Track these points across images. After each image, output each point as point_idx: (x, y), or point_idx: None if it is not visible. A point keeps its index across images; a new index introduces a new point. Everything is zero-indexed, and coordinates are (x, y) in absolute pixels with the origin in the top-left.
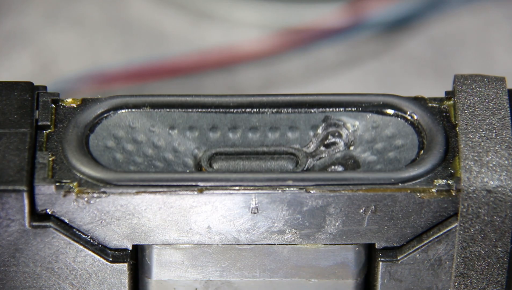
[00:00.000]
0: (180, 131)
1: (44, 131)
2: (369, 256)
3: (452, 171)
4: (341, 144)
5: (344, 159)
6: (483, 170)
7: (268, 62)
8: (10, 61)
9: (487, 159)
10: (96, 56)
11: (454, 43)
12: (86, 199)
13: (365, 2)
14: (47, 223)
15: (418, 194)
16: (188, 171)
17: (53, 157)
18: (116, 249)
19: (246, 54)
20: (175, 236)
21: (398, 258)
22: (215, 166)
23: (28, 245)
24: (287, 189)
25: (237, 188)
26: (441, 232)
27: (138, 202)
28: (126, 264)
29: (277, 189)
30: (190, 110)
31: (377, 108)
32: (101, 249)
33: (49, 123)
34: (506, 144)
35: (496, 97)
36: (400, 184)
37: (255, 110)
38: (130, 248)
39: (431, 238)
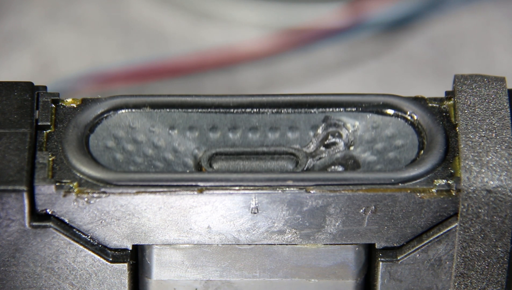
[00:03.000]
0: (180, 131)
1: (44, 131)
2: (369, 256)
3: (452, 171)
4: (341, 144)
5: (344, 159)
6: (483, 170)
7: (268, 62)
8: (10, 61)
9: (487, 159)
10: (96, 56)
11: (454, 43)
12: (86, 199)
13: (365, 2)
14: (47, 223)
15: (418, 194)
16: (188, 171)
17: (53, 157)
18: (116, 249)
19: (246, 54)
20: (175, 236)
21: (398, 258)
22: (215, 166)
23: (28, 245)
24: (287, 189)
25: (237, 188)
26: (441, 232)
27: (138, 202)
28: (126, 264)
29: (277, 189)
30: (190, 110)
31: (377, 108)
32: (101, 249)
33: (49, 123)
34: (506, 144)
35: (496, 97)
36: (400, 184)
37: (255, 110)
38: (130, 248)
39: (431, 238)
